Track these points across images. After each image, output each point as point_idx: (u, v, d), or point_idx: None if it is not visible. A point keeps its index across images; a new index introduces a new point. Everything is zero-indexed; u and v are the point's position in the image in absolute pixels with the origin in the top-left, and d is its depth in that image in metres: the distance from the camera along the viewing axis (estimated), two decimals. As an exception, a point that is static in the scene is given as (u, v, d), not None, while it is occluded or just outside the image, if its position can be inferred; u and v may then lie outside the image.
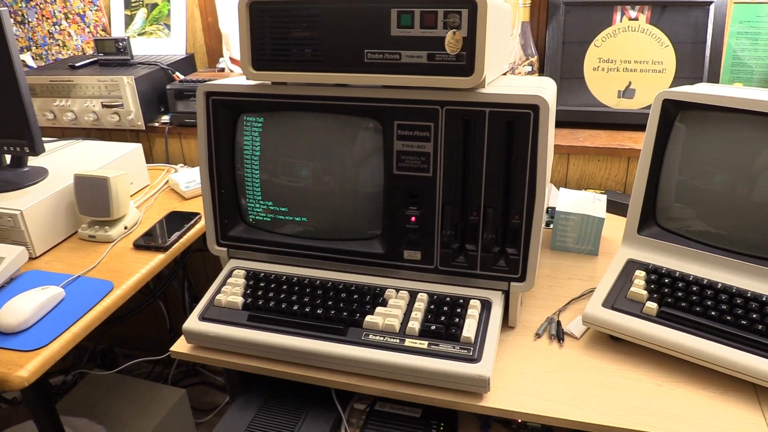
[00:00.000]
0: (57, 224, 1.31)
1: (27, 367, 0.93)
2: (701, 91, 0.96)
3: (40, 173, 1.39)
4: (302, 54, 0.93)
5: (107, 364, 2.15)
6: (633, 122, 1.51)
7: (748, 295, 0.92)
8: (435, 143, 0.93)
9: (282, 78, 0.96)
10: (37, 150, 1.31)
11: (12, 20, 1.98)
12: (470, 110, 0.90)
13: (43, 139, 1.35)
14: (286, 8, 0.92)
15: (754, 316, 0.88)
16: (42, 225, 1.26)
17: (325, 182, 1.02)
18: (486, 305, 0.95)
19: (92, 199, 1.29)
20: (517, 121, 0.89)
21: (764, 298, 0.90)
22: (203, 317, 0.99)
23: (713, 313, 0.90)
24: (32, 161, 1.44)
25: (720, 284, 0.95)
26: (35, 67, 2.01)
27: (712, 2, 1.41)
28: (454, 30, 0.85)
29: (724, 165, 0.96)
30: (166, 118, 1.77)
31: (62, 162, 1.48)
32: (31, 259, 1.25)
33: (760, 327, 0.86)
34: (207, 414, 2.00)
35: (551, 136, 1.00)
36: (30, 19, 2.00)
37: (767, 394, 0.85)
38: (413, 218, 0.97)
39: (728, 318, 0.89)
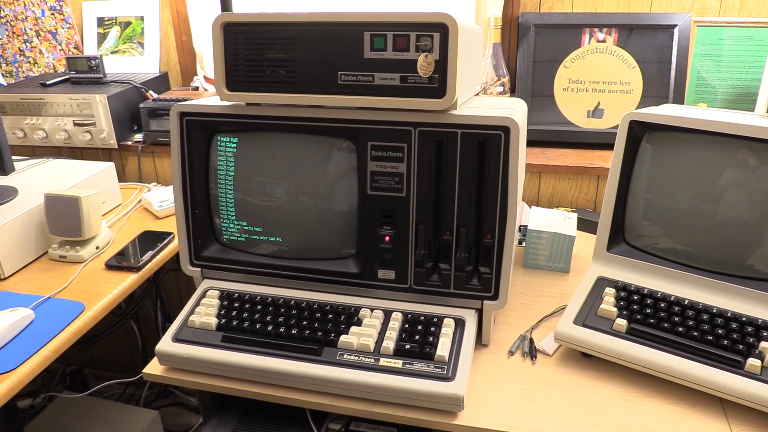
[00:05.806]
0: (27, 244, 1.29)
1: (-6, 392, 0.91)
2: (666, 112, 0.99)
3: (10, 192, 1.36)
4: (276, 75, 0.94)
5: (77, 386, 2.10)
6: (602, 141, 1.55)
7: (714, 311, 0.94)
8: (408, 164, 0.94)
9: (256, 99, 0.97)
10: (6, 169, 1.29)
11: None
12: (442, 131, 0.92)
13: (13, 157, 1.33)
14: (260, 30, 0.92)
15: (719, 331, 0.90)
16: (11, 245, 1.24)
17: (300, 202, 1.02)
18: (460, 324, 0.96)
19: (63, 218, 1.28)
20: (489, 142, 0.90)
21: (729, 314, 0.93)
22: (177, 338, 0.98)
23: (680, 329, 0.92)
24: (1, 180, 1.42)
25: (687, 300, 0.97)
26: (5, 84, 1.98)
27: (676, 25, 1.46)
28: (426, 53, 0.87)
29: (689, 184, 0.99)
30: (139, 137, 1.76)
31: (32, 181, 1.46)
32: (-1, 280, 1.23)
33: (725, 342, 0.89)
34: (180, 436, 1.97)
35: (522, 156, 1.02)
36: (0, 36, 1.98)
37: (733, 408, 0.87)
38: (387, 238, 0.98)
39: (695, 334, 0.91)
